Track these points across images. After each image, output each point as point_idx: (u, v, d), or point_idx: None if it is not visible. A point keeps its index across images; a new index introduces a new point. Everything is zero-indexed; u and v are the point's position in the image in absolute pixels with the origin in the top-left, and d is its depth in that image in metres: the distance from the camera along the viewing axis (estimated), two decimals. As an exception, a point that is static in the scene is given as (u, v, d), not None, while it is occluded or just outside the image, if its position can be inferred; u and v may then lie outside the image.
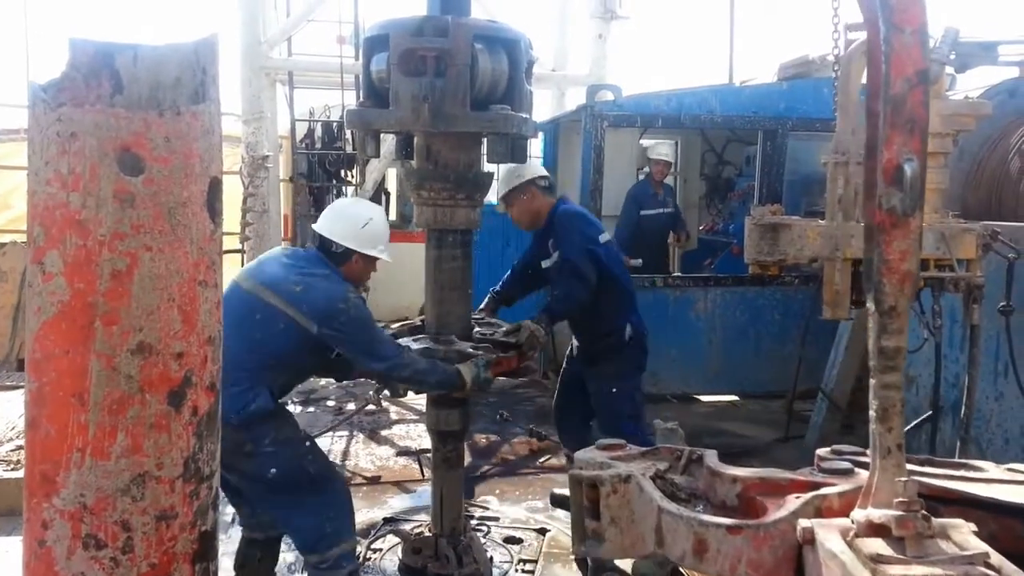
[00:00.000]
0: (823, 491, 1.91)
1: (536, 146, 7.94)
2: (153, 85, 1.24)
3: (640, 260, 7.17)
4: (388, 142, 6.10)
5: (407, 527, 4.31)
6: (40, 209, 1.19)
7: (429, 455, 4.48)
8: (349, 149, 8.86)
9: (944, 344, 4.22)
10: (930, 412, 4.41)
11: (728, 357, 6.62)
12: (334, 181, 9.41)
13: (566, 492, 5.18)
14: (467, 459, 4.97)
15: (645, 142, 8.63)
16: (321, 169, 9.30)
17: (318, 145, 9.36)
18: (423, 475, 5.14)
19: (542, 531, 4.45)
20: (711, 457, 2.24)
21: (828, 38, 4.55)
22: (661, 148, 7.72)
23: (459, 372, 3.33)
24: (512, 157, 3.49)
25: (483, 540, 4.20)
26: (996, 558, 1.63)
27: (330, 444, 5.79)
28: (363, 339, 3.26)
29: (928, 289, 3.95)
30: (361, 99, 3.54)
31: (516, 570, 4.01)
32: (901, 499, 1.69)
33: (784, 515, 1.86)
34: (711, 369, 6.66)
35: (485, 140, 3.52)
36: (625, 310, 4.37)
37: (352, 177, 9.23)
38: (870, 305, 1.81)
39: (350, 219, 3.43)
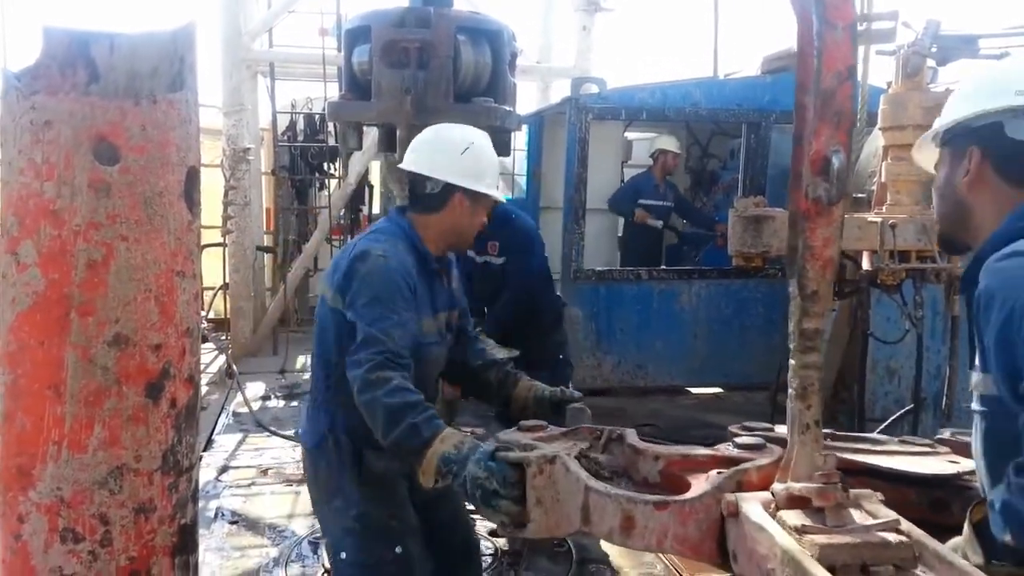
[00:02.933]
0: (743, 466, 1.98)
1: (520, 139, 7.92)
2: (130, 74, 1.23)
3: (660, 222, 7.23)
4: (371, 134, 6.07)
5: (392, 520, 4.30)
6: (13, 199, 1.17)
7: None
8: (332, 142, 8.81)
9: (926, 335, 4.25)
10: (911, 405, 4.44)
11: (713, 349, 6.64)
12: (316, 174, 9.35)
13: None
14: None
15: (632, 135, 8.63)
16: (303, 162, 9.25)
17: (300, 138, 9.30)
18: (408, 469, 5.14)
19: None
20: (631, 435, 2.28)
21: (811, 31, 4.56)
22: (668, 140, 7.67)
23: (425, 444, 2.12)
24: (496, 150, 3.48)
25: (468, 533, 4.19)
26: (905, 524, 1.71)
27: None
28: (364, 310, 2.33)
29: (910, 280, 3.98)
30: (343, 91, 3.52)
31: (500, 563, 4.01)
32: (822, 472, 1.77)
33: (708, 490, 1.92)
34: (696, 361, 6.68)
35: (468, 132, 3.51)
36: (554, 288, 4.81)
37: (335, 170, 9.17)
38: (793, 289, 1.87)
39: (446, 145, 2.63)
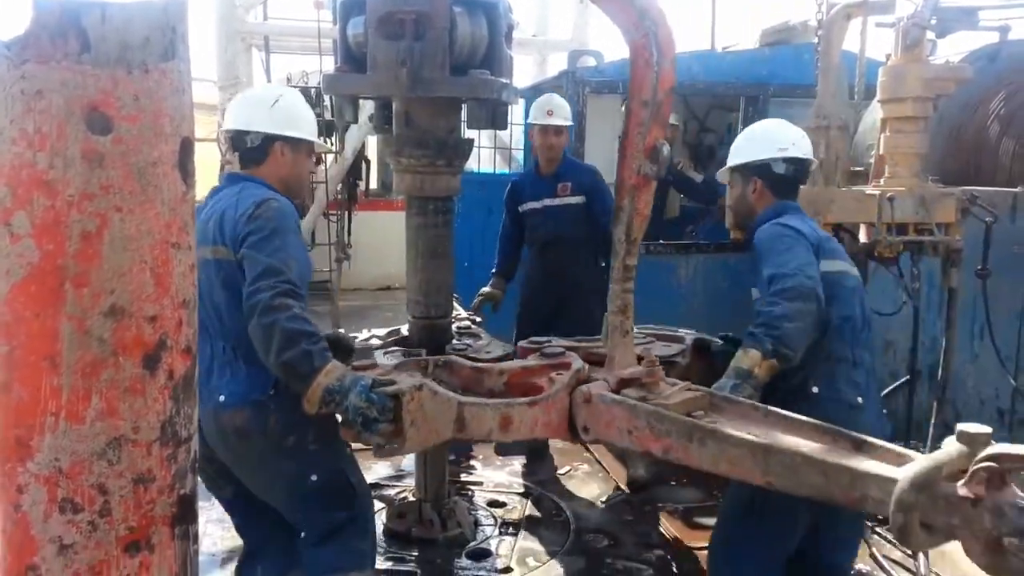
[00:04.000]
0: (576, 367, 2.74)
1: (518, 112, 7.88)
2: (122, 45, 1.22)
3: (701, 176, 7.23)
4: (368, 108, 6.04)
5: (391, 492, 4.34)
6: (6, 169, 1.16)
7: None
8: (328, 116, 8.76)
9: (922, 308, 4.26)
10: (907, 377, 4.46)
11: (709, 324, 6.61)
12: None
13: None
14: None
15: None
16: (300, 137, 9.18)
17: (297, 112, 9.24)
18: (406, 442, 5.16)
19: (525, 494, 4.49)
20: (461, 359, 2.96)
21: (809, 3, 4.53)
22: None
23: (314, 371, 2.39)
24: (493, 123, 3.45)
25: (467, 504, 4.23)
26: (693, 385, 2.57)
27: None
28: (262, 243, 2.52)
29: (907, 253, 3.98)
30: (338, 64, 3.48)
31: (499, 533, 4.04)
32: (649, 360, 2.62)
33: (562, 387, 2.66)
34: (693, 335, 6.68)
35: (464, 106, 3.48)
36: None
37: (331, 144, 9.12)
38: (620, 236, 2.70)
39: (257, 101, 2.91)
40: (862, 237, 4.09)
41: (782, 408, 2.33)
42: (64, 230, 1.16)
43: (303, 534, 2.80)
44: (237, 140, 2.85)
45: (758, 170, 3.03)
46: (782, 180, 3.01)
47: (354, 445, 2.76)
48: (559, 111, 4.79)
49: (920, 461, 1.79)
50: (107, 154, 1.18)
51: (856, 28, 4.59)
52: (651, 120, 2.56)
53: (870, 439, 2.09)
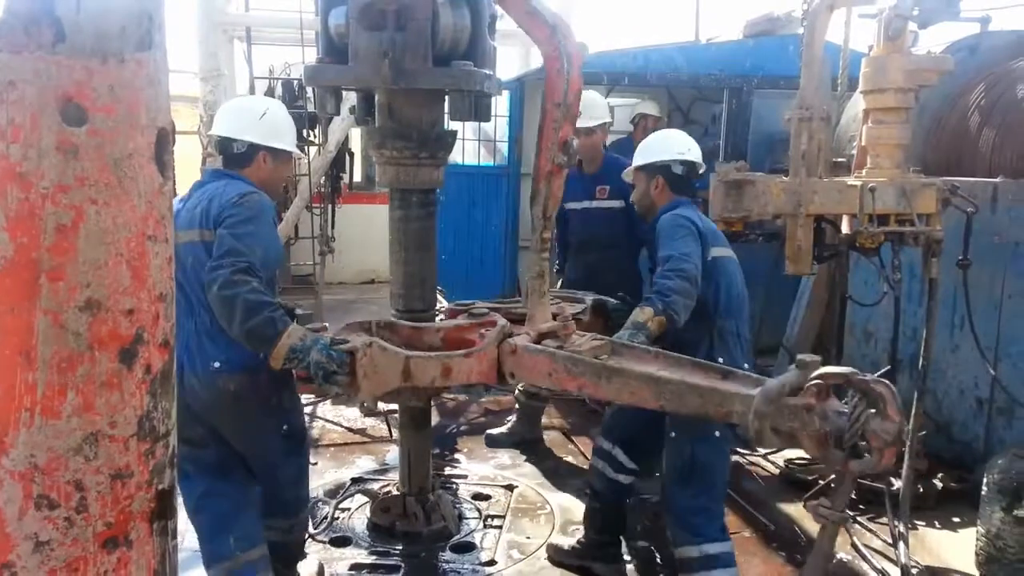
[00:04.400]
0: (501, 324, 3.14)
1: (502, 104, 7.85)
2: (97, 34, 1.19)
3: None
4: (351, 99, 5.99)
5: (375, 486, 4.32)
6: (-22, 161, 1.14)
7: (397, 415, 4.48)
8: (311, 108, 8.69)
9: (903, 298, 4.28)
10: (888, 367, 4.48)
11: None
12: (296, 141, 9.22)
13: (501, 430, 5.48)
14: (435, 419, 4.98)
15: (613, 100, 8.57)
16: (283, 129, 9.09)
17: (279, 104, 9.15)
18: (391, 435, 5.15)
19: (509, 488, 4.49)
20: (401, 322, 3.39)
21: (793, -7, 4.53)
22: (649, 104, 7.58)
23: (277, 335, 2.71)
24: (476, 115, 3.44)
25: (451, 498, 4.23)
26: (598, 335, 3.09)
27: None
28: (236, 226, 2.80)
29: (888, 244, 3.99)
30: (320, 55, 3.46)
31: (484, 526, 4.04)
32: (562, 316, 3.19)
33: (491, 340, 3.08)
34: (676, 326, 6.69)
35: (447, 97, 3.47)
36: None
37: (315, 137, 9.07)
38: (538, 214, 3.12)
39: (246, 112, 3.16)
40: (844, 228, 4.10)
41: None
42: (39, 223, 1.14)
43: (271, 476, 3.16)
44: (224, 144, 3.11)
45: (661, 170, 3.57)
46: (679, 179, 3.58)
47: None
48: (588, 111, 4.65)
49: (770, 382, 2.38)
50: (82, 146, 1.16)
51: (840, 19, 4.60)
52: (563, 119, 2.98)
53: (734, 369, 2.73)
